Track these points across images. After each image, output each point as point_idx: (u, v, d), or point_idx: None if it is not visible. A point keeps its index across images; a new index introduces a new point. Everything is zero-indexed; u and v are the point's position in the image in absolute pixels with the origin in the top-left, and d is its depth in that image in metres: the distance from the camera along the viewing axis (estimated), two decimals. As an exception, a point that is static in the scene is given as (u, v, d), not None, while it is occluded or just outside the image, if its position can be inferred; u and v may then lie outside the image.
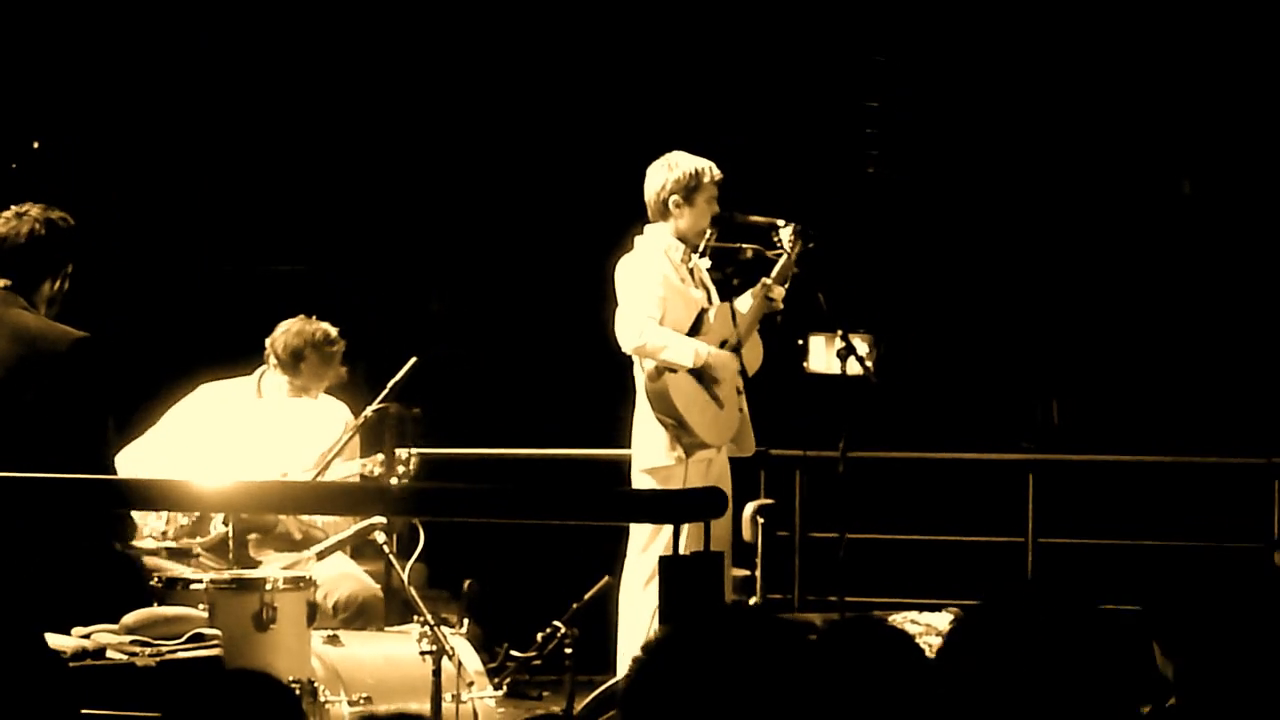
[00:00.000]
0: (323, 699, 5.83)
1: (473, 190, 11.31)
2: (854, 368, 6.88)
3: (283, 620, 5.80)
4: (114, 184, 10.59)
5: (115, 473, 5.70)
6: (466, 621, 6.53)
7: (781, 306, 7.02)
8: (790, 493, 9.12)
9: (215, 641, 5.64)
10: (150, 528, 6.49)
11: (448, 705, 5.97)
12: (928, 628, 7.18)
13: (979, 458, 9.61)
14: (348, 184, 11.15)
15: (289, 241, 11.05)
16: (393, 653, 6.14)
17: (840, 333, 6.95)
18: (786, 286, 6.99)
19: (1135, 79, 11.09)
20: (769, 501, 7.63)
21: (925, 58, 11.42)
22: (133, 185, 10.77)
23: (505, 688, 6.96)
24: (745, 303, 7.01)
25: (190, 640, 5.62)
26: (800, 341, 8.20)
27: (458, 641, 6.19)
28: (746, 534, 7.35)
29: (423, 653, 6.01)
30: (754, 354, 7.06)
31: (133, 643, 5.54)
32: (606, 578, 7.27)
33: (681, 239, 6.96)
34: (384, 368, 6.66)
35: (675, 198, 6.92)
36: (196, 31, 10.77)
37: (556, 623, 7.36)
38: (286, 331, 6.94)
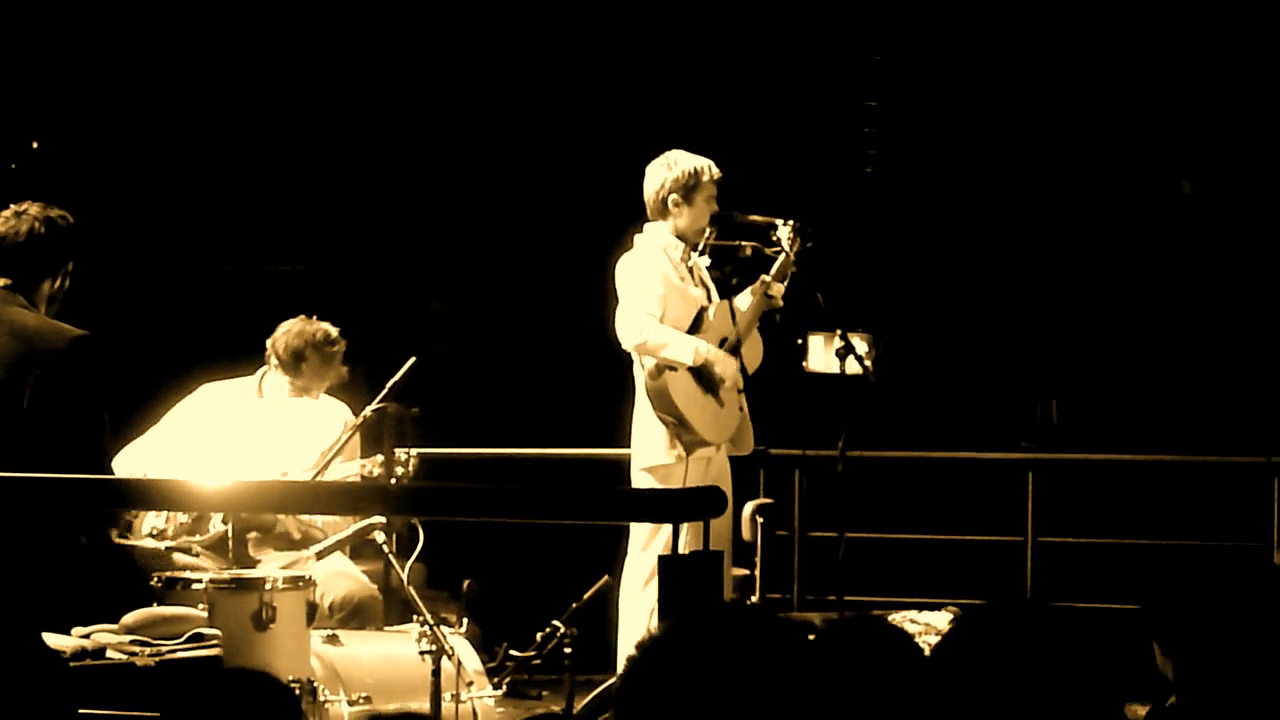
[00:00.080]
0: (322, 699, 5.83)
1: (472, 190, 11.31)
2: (853, 367, 6.88)
3: (282, 620, 5.80)
4: (114, 184, 10.58)
5: (113, 472, 5.69)
6: (466, 621, 6.53)
7: (781, 305, 7.02)
8: (789, 492, 9.12)
9: (214, 641, 5.64)
10: (150, 525, 6.49)
11: (447, 705, 5.97)
12: (927, 627, 7.18)
13: (978, 457, 9.61)
14: (348, 184, 11.15)
15: (289, 241, 11.05)
16: (392, 652, 6.14)
17: (839, 332, 6.95)
18: (785, 285, 6.99)
19: (1134, 79, 11.09)
20: (768, 501, 7.64)
21: (924, 57, 11.42)
22: (133, 185, 10.77)
23: (505, 687, 6.96)
24: (745, 301, 7.01)
25: (189, 640, 5.63)
26: (799, 341, 8.20)
27: (457, 641, 6.19)
28: (746, 533, 7.35)
29: (422, 652, 6.01)
30: (754, 352, 7.07)
31: (132, 642, 5.54)
32: (606, 577, 7.27)
33: (681, 237, 6.96)
34: (384, 368, 6.66)
35: (674, 196, 6.93)
36: (196, 31, 10.76)
37: (556, 622, 7.36)
38: (287, 332, 6.94)
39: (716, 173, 6.97)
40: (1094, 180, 11.27)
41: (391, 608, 6.63)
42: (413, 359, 6.54)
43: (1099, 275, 11.23)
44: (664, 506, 5.39)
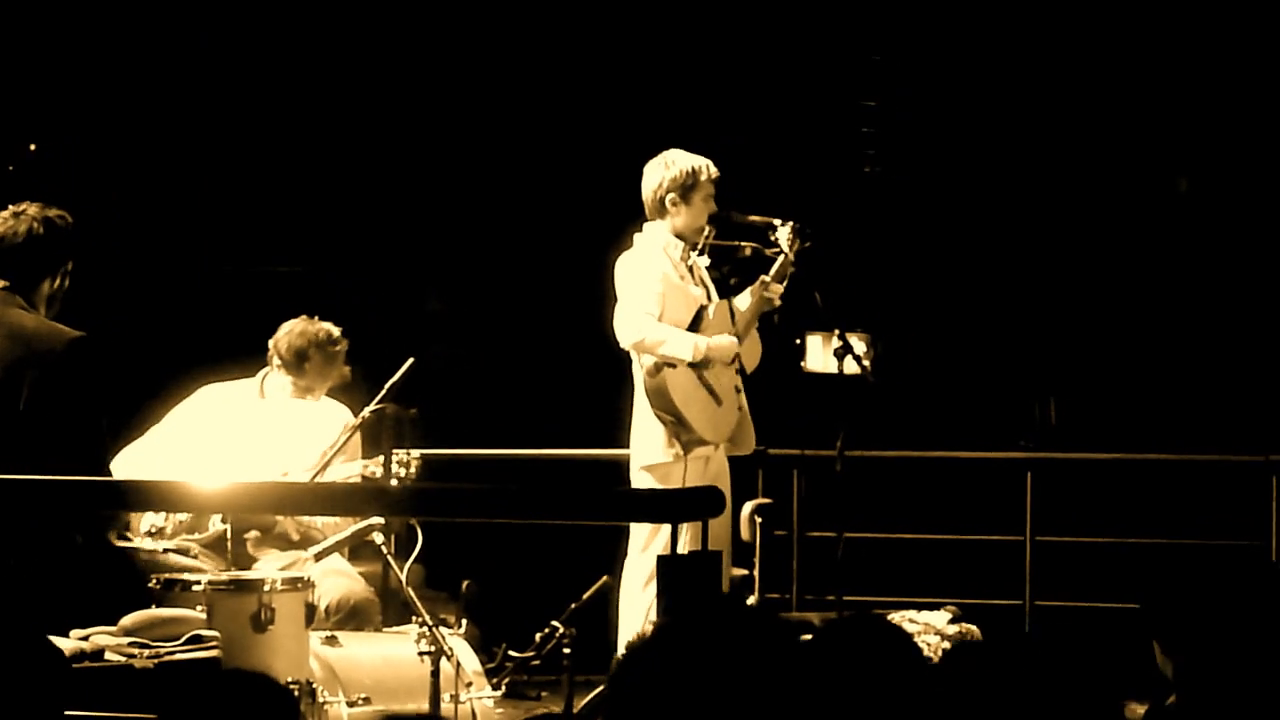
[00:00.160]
0: (321, 699, 5.83)
1: (471, 190, 11.31)
2: (851, 367, 6.88)
3: (281, 621, 5.80)
4: (114, 184, 10.58)
5: (111, 474, 5.69)
6: (465, 622, 6.53)
7: (779, 304, 7.02)
8: (788, 492, 9.12)
9: (213, 643, 5.64)
10: (149, 522, 6.49)
11: (446, 705, 5.97)
12: (926, 626, 7.19)
13: (977, 456, 9.61)
14: (347, 184, 11.14)
15: (288, 242, 11.05)
16: (391, 653, 6.14)
17: (838, 332, 6.95)
18: (785, 285, 7.00)
19: (1132, 78, 11.09)
20: (767, 501, 7.64)
21: (922, 57, 11.42)
22: (133, 185, 10.76)
23: (504, 688, 6.96)
24: (744, 301, 7.01)
25: (188, 642, 5.62)
26: (798, 341, 8.20)
27: (456, 642, 6.19)
28: (745, 533, 7.35)
29: (421, 653, 6.02)
30: (752, 352, 7.07)
31: (131, 644, 5.53)
32: (605, 577, 7.27)
33: (679, 237, 6.97)
34: (382, 368, 6.66)
35: (672, 196, 6.93)
36: (196, 31, 10.76)
37: (555, 623, 7.36)
38: (290, 332, 6.94)
39: (714, 172, 6.97)
40: (1091, 179, 11.27)
41: (390, 609, 6.63)
42: (411, 359, 6.54)
43: (1097, 274, 11.23)
44: (662, 506, 5.39)
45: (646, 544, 6.77)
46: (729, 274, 7.10)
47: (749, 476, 8.14)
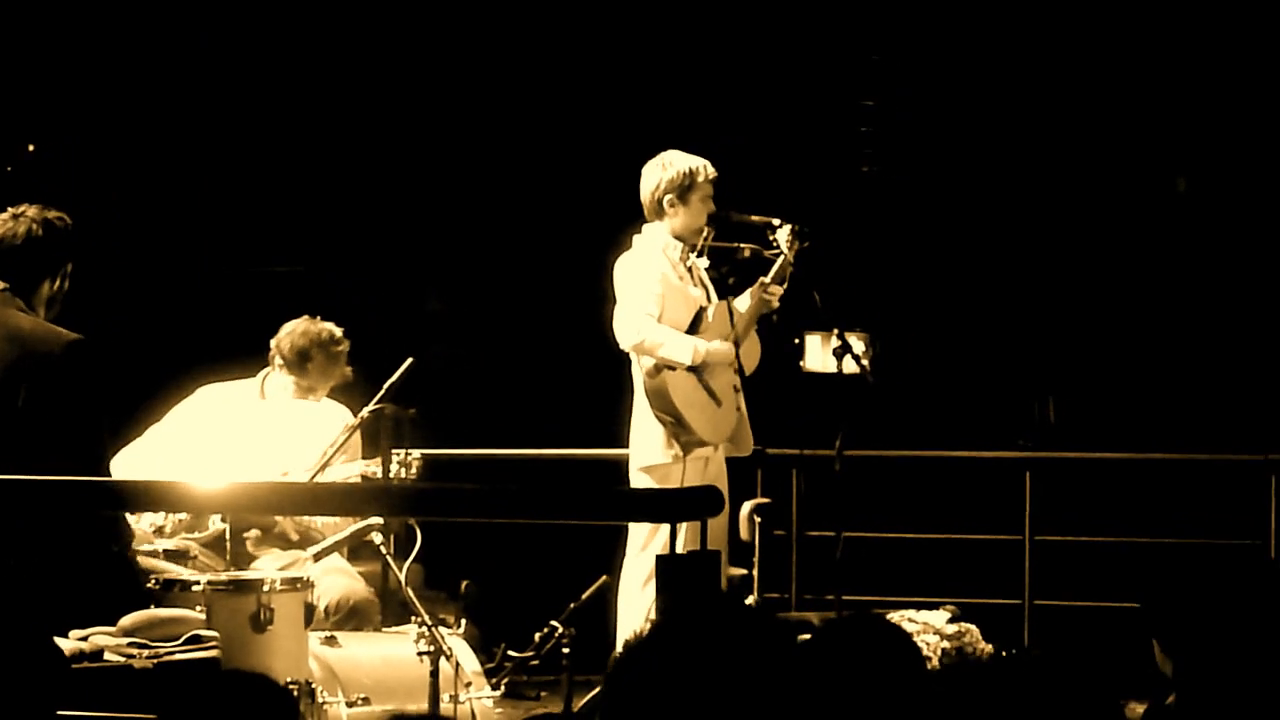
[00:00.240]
0: (320, 700, 5.83)
1: (471, 190, 11.31)
2: (850, 366, 6.88)
3: (280, 621, 5.80)
4: (113, 184, 10.58)
5: (110, 475, 5.69)
6: (464, 622, 6.53)
7: (778, 305, 7.02)
8: (787, 492, 9.12)
9: (212, 643, 5.64)
10: (148, 521, 6.49)
11: (445, 705, 5.97)
12: (925, 626, 7.19)
13: (976, 456, 9.61)
14: (346, 184, 11.14)
15: (288, 242, 11.05)
16: (390, 653, 6.14)
17: (836, 331, 6.95)
18: (784, 286, 6.99)
19: (1130, 77, 11.09)
20: (766, 500, 7.63)
21: (921, 56, 11.42)
22: (132, 185, 10.76)
23: (503, 688, 6.96)
24: (743, 302, 7.01)
25: (188, 642, 5.62)
26: (796, 340, 8.19)
27: (455, 642, 6.18)
28: (744, 533, 7.35)
29: (420, 653, 6.01)
30: (751, 353, 7.07)
31: (130, 645, 5.53)
32: (604, 577, 7.27)
33: (678, 238, 6.96)
34: (382, 368, 6.66)
35: (670, 197, 6.93)
36: (196, 31, 10.76)
37: (554, 623, 7.36)
38: (292, 332, 6.94)
39: (712, 173, 6.97)
40: (1089, 179, 11.27)
41: (389, 609, 6.63)
42: (410, 359, 6.54)
43: (1095, 274, 11.23)
44: (661, 506, 5.39)
45: (645, 544, 6.77)
46: (728, 274, 7.10)
47: (748, 476, 8.14)
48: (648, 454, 6.83)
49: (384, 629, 6.48)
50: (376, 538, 6.34)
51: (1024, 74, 11.20)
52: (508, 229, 11.18)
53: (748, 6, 11.14)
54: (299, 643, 5.88)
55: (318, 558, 6.62)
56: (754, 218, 7.04)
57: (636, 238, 6.99)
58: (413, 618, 6.15)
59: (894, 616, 7.28)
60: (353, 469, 6.69)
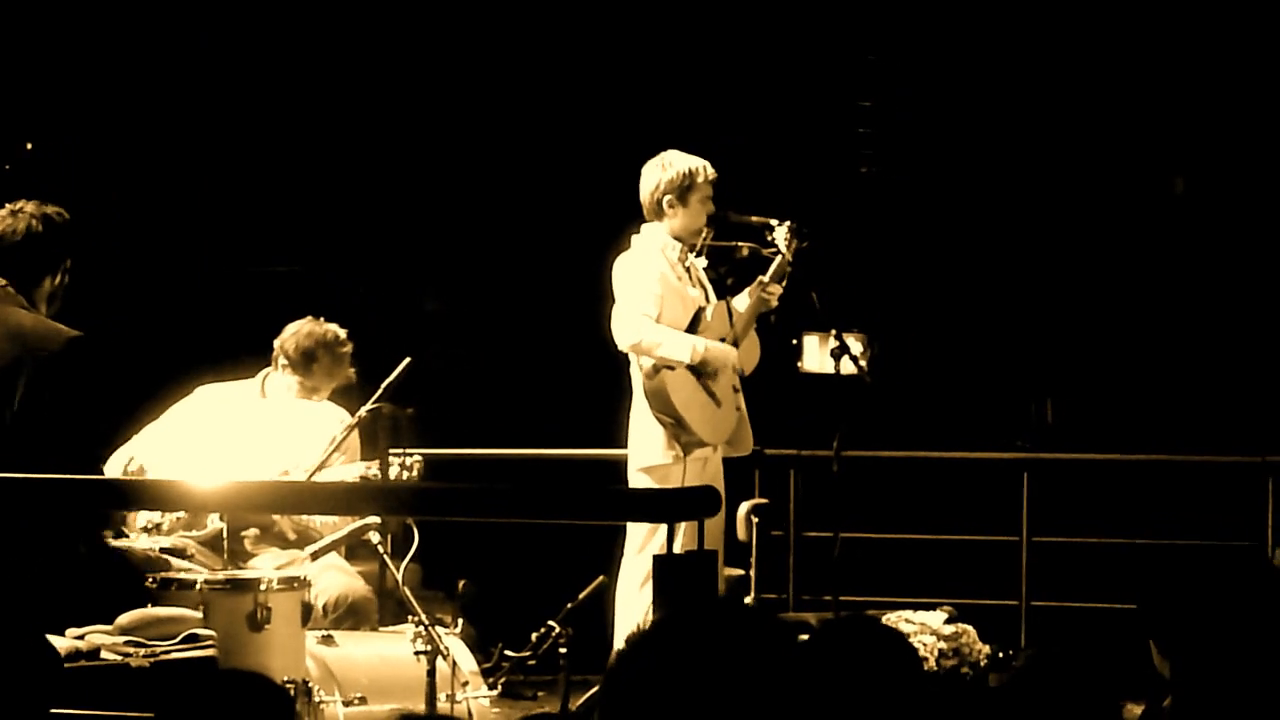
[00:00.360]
0: (317, 699, 5.83)
1: (470, 190, 11.31)
2: (848, 367, 6.89)
3: (277, 620, 5.80)
4: (113, 184, 10.57)
5: (107, 473, 5.69)
6: (461, 621, 6.53)
7: (776, 304, 7.02)
8: (785, 492, 9.12)
9: (209, 642, 5.64)
10: (145, 518, 6.48)
11: (442, 705, 5.97)
12: (922, 626, 7.19)
13: (974, 457, 9.61)
14: (345, 184, 11.14)
15: (287, 242, 11.05)
16: (387, 653, 6.14)
17: (834, 332, 6.95)
18: (783, 285, 6.99)
19: (1128, 78, 11.09)
20: (764, 501, 7.64)
21: (919, 57, 11.42)
22: (132, 185, 10.76)
23: (500, 688, 6.96)
24: (742, 302, 7.01)
25: (184, 641, 5.62)
26: (794, 341, 8.20)
27: (452, 641, 6.18)
28: (741, 533, 7.35)
29: (417, 653, 6.01)
30: (750, 353, 7.07)
31: (127, 643, 5.54)
32: (601, 577, 7.27)
33: (677, 238, 6.96)
34: (380, 368, 6.66)
35: (669, 197, 6.93)
36: (196, 31, 10.76)
37: (551, 622, 7.36)
38: (297, 333, 6.93)
39: (712, 173, 6.97)
40: (1088, 179, 11.28)
41: (386, 608, 6.62)
42: (408, 359, 6.54)
43: (1093, 274, 11.23)
44: (659, 506, 5.39)
45: (643, 544, 6.76)
46: (726, 274, 7.10)
47: (746, 476, 8.14)
48: (647, 454, 6.82)
49: (381, 628, 6.48)
50: (374, 537, 6.34)
51: (1022, 74, 11.20)
52: (507, 229, 11.18)
53: (747, 7, 11.14)
54: (296, 642, 5.88)
55: (315, 557, 6.62)
56: (753, 218, 7.04)
57: (635, 238, 6.99)
58: (410, 617, 6.15)
59: (891, 617, 7.29)
60: (353, 471, 6.69)
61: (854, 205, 11.22)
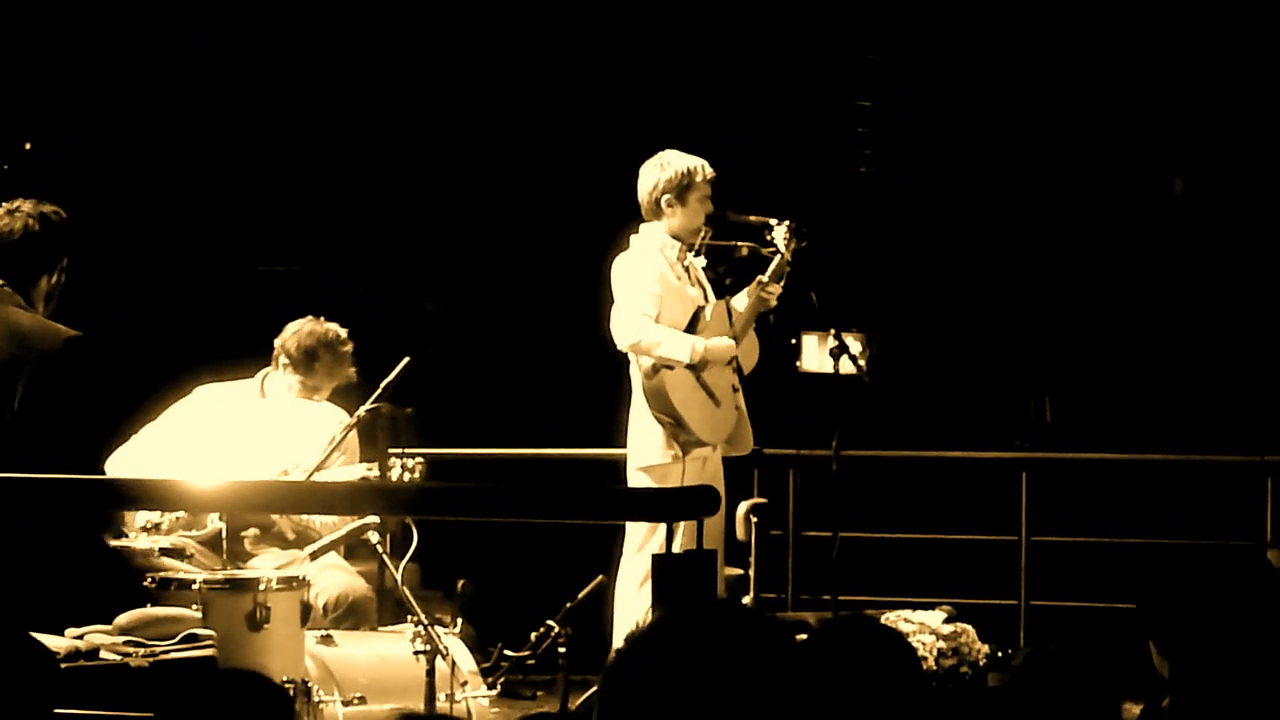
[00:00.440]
0: (316, 699, 5.83)
1: (469, 190, 11.31)
2: (847, 366, 6.89)
3: (276, 620, 5.79)
4: (112, 184, 10.58)
5: (105, 473, 5.69)
6: (460, 621, 6.53)
7: (775, 303, 7.02)
8: (784, 492, 9.12)
9: (208, 642, 5.63)
10: (144, 518, 6.48)
11: (441, 705, 5.97)
12: (921, 626, 7.19)
13: (972, 456, 9.61)
14: (344, 184, 11.14)
15: (287, 242, 11.05)
16: (386, 653, 6.14)
17: (833, 331, 6.95)
18: (782, 284, 7.00)
19: (1127, 78, 11.10)
20: (763, 500, 7.64)
21: (918, 57, 11.42)
22: (131, 185, 10.76)
23: (499, 687, 6.96)
24: (741, 301, 7.01)
25: (184, 640, 5.62)
26: (793, 341, 8.20)
27: (451, 641, 6.18)
28: (740, 533, 7.35)
29: (416, 652, 6.01)
30: (749, 352, 7.07)
31: (126, 643, 5.53)
32: (600, 577, 7.27)
33: (676, 238, 6.96)
34: (379, 368, 6.66)
35: (667, 197, 6.93)
36: (195, 31, 10.76)
37: (550, 622, 7.36)
38: (298, 332, 6.92)
39: (710, 173, 6.97)
40: (1087, 179, 11.28)
41: (386, 608, 6.62)
42: (407, 359, 6.53)
43: (1092, 274, 11.24)
44: (658, 505, 5.40)
45: (642, 544, 6.76)
46: (725, 274, 7.10)
47: (744, 476, 8.15)
48: (647, 454, 6.82)
49: (380, 628, 6.48)
50: (373, 537, 6.33)
51: (1022, 74, 11.20)
52: (506, 229, 11.18)
53: (746, 7, 11.14)
54: (295, 641, 5.87)
55: (314, 557, 6.62)
56: (752, 218, 7.04)
57: (634, 237, 6.99)
58: (409, 617, 6.15)
59: (890, 617, 7.29)
60: (352, 472, 6.68)
61: (853, 205, 11.22)
